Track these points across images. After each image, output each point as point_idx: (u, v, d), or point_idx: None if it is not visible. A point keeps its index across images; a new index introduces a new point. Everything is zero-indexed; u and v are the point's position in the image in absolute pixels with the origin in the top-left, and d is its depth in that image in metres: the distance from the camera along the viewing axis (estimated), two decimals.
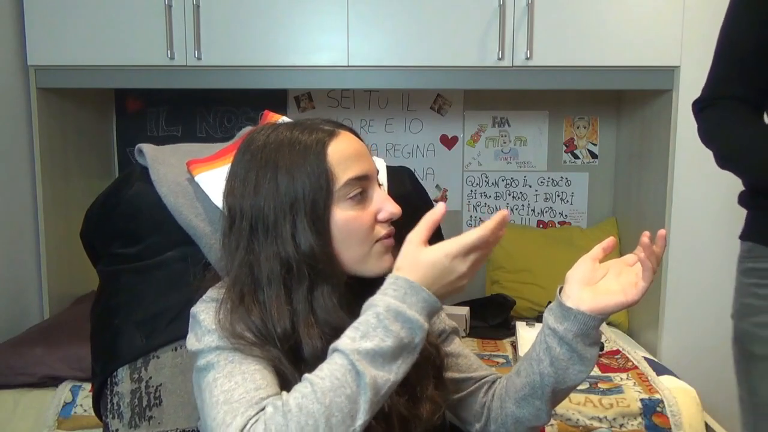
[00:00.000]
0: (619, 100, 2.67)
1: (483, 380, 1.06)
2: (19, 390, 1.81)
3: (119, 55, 2.13)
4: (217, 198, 1.05)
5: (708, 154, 1.55)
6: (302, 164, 0.87)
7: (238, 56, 2.13)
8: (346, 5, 2.11)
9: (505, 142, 2.73)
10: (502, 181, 2.74)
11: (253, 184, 0.88)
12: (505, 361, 2.07)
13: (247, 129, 1.25)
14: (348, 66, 2.14)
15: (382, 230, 0.91)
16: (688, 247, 2.15)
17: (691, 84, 2.10)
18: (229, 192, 0.91)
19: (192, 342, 0.87)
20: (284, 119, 1.12)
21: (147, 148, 1.17)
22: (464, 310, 2.32)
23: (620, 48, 2.10)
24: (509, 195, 2.75)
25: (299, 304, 0.86)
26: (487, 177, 2.74)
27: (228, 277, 0.89)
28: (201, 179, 1.09)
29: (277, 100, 2.68)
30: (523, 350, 1.99)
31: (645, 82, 2.15)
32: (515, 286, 2.54)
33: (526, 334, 2.07)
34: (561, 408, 1.72)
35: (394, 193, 1.23)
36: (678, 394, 1.80)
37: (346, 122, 2.72)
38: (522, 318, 2.40)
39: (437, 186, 2.75)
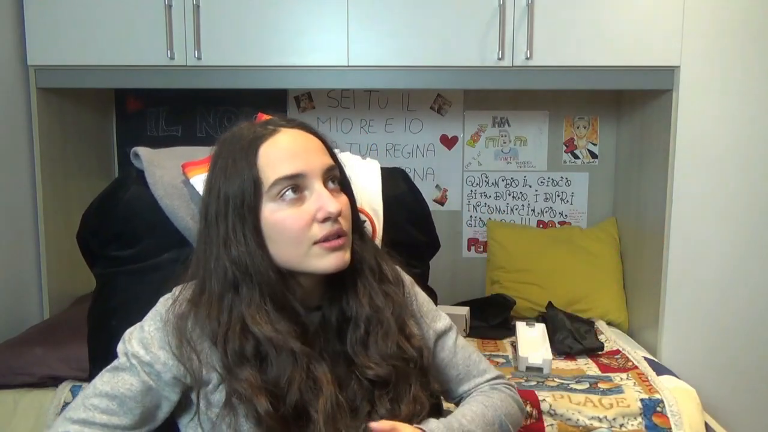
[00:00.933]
0: (619, 100, 2.67)
1: (465, 393, 1.08)
2: (19, 390, 1.81)
3: (119, 55, 2.13)
4: None
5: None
6: (234, 165, 0.88)
7: (238, 56, 2.13)
8: (346, 5, 2.11)
9: (505, 142, 2.73)
10: (502, 181, 2.74)
11: (208, 184, 0.92)
12: (505, 361, 2.06)
13: None
14: (348, 66, 2.14)
15: (320, 230, 0.88)
16: (688, 247, 2.15)
17: (691, 84, 2.10)
18: None
19: (131, 329, 0.92)
20: None
21: (142, 151, 1.18)
22: (464, 310, 2.32)
23: (620, 48, 2.10)
24: (509, 195, 2.75)
25: (227, 303, 0.88)
26: (487, 177, 2.74)
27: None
28: (196, 181, 1.10)
29: (277, 100, 2.68)
30: (522, 350, 1.99)
31: (645, 82, 2.14)
32: (515, 286, 2.54)
33: (526, 334, 2.07)
34: (561, 408, 1.72)
35: (387, 193, 1.23)
36: (678, 394, 1.80)
37: (345, 122, 2.74)
38: (522, 318, 2.40)
39: (437, 186, 2.75)
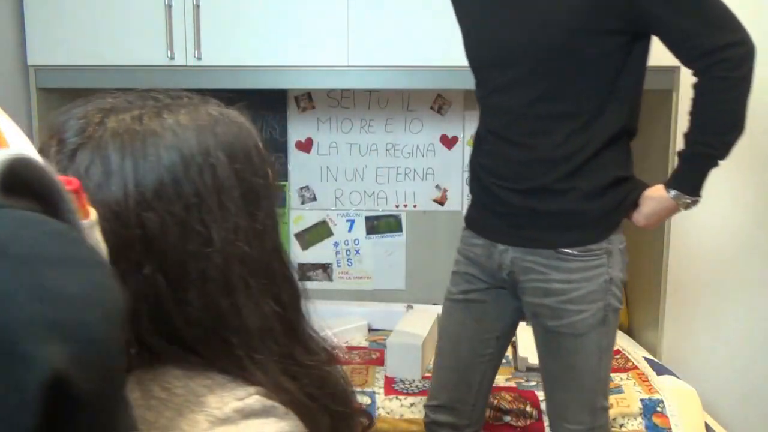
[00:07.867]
0: None
1: None
2: None
3: (119, 55, 2.13)
4: None
5: None
6: None
7: (238, 56, 2.13)
8: (346, 5, 2.11)
9: None
10: None
11: None
12: (505, 361, 2.06)
13: None
14: (348, 66, 2.14)
15: None
16: (689, 247, 2.15)
17: (691, 84, 2.09)
18: None
19: None
20: None
21: None
22: None
23: None
24: None
25: None
26: None
27: None
28: None
29: (277, 100, 2.68)
30: (522, 350, 1.99)
31: (645, 82, 2.14)
32: None
33: (527, 334, 2.07)
34: None
35: None
36: (678, 394, 1.80)
37: (345, 122, 2.74)
38: (522, 318, 2.40)
39: (437, 186, 2.75)
